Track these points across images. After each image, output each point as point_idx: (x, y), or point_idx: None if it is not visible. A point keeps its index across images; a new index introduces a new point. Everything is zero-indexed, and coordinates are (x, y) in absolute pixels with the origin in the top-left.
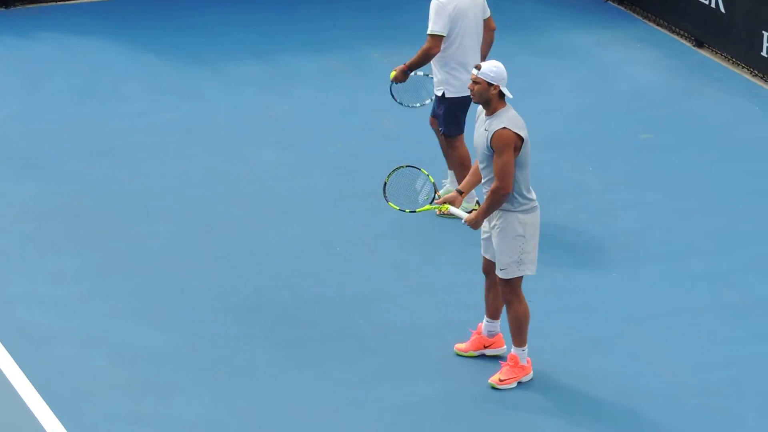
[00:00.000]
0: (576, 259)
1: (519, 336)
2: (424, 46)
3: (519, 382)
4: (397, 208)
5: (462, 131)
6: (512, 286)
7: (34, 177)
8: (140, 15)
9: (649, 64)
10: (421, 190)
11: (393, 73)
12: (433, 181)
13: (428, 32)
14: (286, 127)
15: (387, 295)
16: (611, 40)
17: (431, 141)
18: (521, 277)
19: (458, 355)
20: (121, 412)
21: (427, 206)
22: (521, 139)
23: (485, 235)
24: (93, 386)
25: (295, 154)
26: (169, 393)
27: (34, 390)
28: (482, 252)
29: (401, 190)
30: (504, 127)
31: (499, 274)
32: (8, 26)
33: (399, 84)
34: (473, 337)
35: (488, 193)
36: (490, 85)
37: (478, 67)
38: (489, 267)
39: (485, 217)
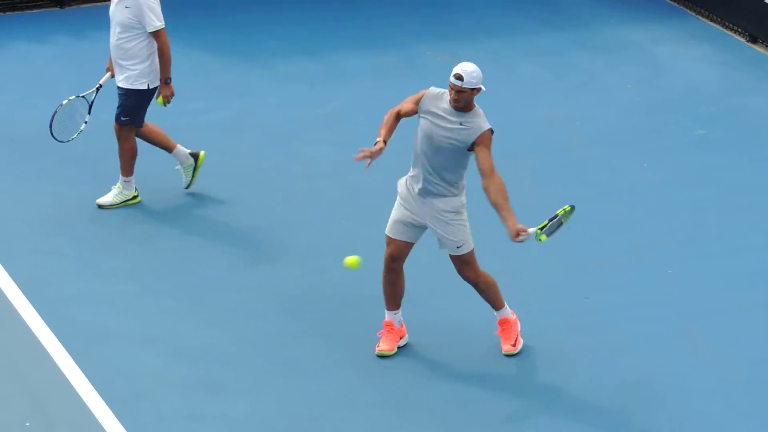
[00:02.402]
0: (631, 255)
1: (497, 300)
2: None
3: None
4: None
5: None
6: (469, 263)
7: (89, 176)
8: (192, 13)
9: (703, 59)
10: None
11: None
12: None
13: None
14: (338, 125)
15: (436, 292)
16: (664, 35)
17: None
18: (472, 251)
19: (382, 356)
20: (176, 410)
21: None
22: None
23: (406, 219)
24: (149, 384)
25: (346, 151)
26: (223, 391)
27: (93, 388)
28: (395, 236)
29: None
30: (490, 127)
31: (456, 253)
32: (63, 26)
33: (58, 115)
34: (389, 334)
35: (496, 194)
36: (473, 90)
37: (459, 77)
38: (401, 252)
39: (512, 215)
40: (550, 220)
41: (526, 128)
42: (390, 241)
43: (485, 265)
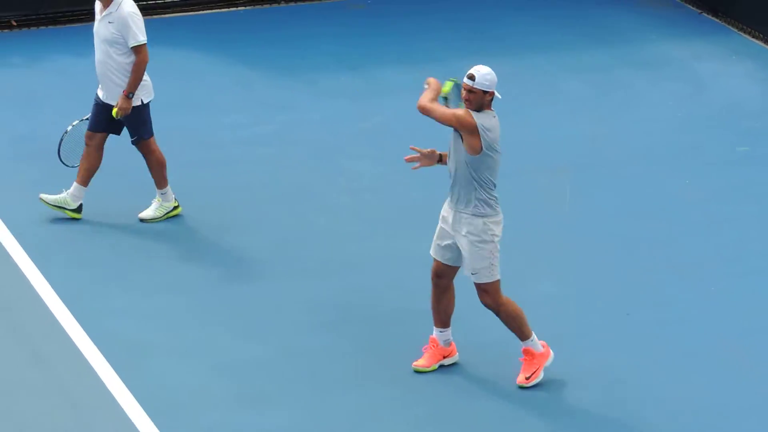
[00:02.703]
0: (673, 272)
1: (521, 331)
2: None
3: (544, 370)
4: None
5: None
6: (489, 292)
7: (130, 188)
8: (235, 28)
9: (746, 75)
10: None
11: (116, 111)
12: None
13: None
14: (380, 140)
15: (480, 310)
16: (707, 52)
17: (528, 151)
18: (497, 281)
19: (417, 371)
20: (217, 423)
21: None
22: (479, 135)
23: (445, 241)
24: (190, 397)
25: (389, 166)
26: (263, 404)
27: (135, 401)
28: (434, 255)
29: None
30: (474, 117)
31: (472, 279)
32: None
33: (67, 138)
34: (430, 351)
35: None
36: (485, 93)
37: (471, 77)
38: (443, 271)
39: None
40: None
41: (569, 144)
42: (433, 258)
43: (529, 283)
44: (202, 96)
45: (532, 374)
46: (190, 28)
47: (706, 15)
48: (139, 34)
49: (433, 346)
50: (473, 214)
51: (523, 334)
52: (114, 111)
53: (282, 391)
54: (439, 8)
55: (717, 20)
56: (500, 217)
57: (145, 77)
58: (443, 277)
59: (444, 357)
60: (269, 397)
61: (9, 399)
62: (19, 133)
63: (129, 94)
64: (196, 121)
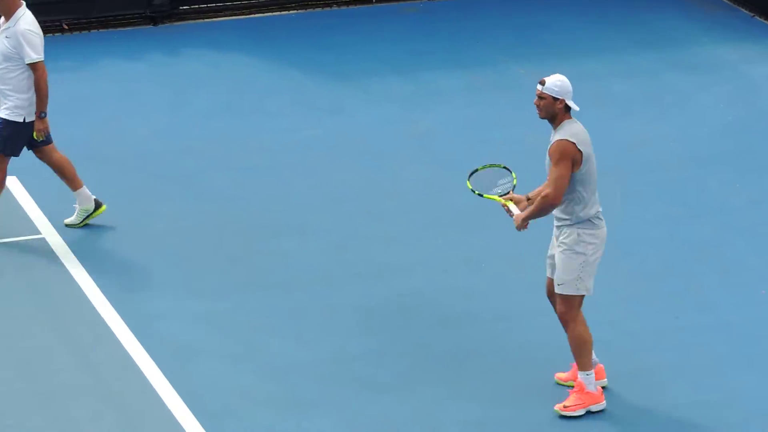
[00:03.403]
0: (722, 275)
1: (580, 359)
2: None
3: (589, 411)
4: (470, 187)
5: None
6: (570, 305)
7: (180, 193)
8: (284, 32)
9: None
10: (499, 185)
11: (35, 134)
12: (515, 184)
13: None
14: (429, 144)
15: (531, 313)
16: (758, 55)
17: None
18: (581, 297)
19: (558, 384)
20: (264, 427)
21: (494, 196)
22: (580, 152)
23: (550, 254)
24: (239, 401)
25: (439, 170)
26: (311, 408)
27: (183, 404)
28: (547, 273)
29: (485, 180)
30: (564, 138)
31: (556, 289)
32: (156, 43)
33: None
34: (574, 368)
35: (539, 198)
36: (555, 99)
37: (542, 83)
38: (550, 287)
39: (530, 219)
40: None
41: (619, 147)
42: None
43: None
44: (252, 100)
45: (573, 405)
46: (242, 32)
47: (758, 18)
48: (32, 52)
49: (579, 390)
50: (569, 224)
51: (581, 364)
52: (34, 134)
53: (330, 395)
54: (489, 13)
55: None
56: (598, 231)
57: (33, 97)
58: (551, 294)
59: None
60: (317, 401)
61: (58, 404)
62: (69, 138)
63: (41, 113)
64: (247, 124)
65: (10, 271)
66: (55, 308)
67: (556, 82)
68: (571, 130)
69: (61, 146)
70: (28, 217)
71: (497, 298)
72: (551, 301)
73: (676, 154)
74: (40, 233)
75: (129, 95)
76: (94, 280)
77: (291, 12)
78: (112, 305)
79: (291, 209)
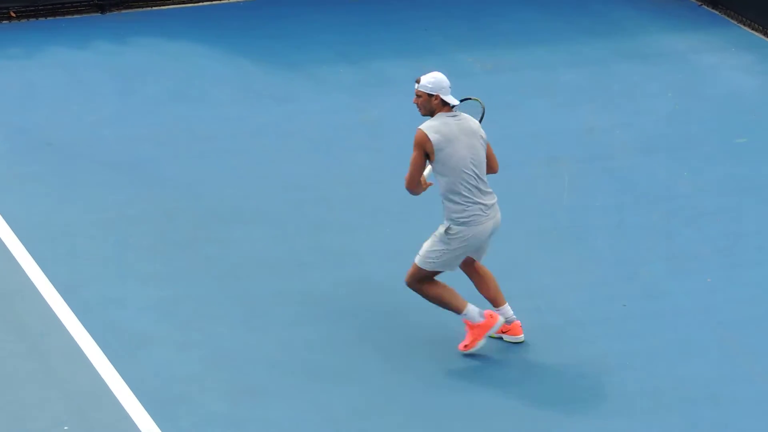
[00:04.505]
0: (670, 263)
1: (450, 309)
2: None
3: (489, 336)
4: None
5: None
6: (417, 276)
7: (129, 181)
8: (233, 21)
9: (744, 68)
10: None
11: None
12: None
13: None
14: (379, 132)
15: (481, 300)
16: (705, 44)
17: (526, 143)
18: (426, 275)
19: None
20: (216, 415)
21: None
22: (430, 141)
23: None
24: (188, 389)
25: (389, 158)
26: (263, 395)
27: (131, 393)
28: None
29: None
30: (420, 127)
31: (415, 258)
32: (104, 31)
33: None
34: (469, 331)
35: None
36: (430, 96)
37: (417, 81)
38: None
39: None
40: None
41: (567, 135)
42: None
43: (526, 274)
44: (201, 89)
45: (471, 342)
46: (191, 21)
47: (705, 7)
48: None
49: (469, 327)
50: (445, 217)
51: (455, 310)
52: None
53: (282, 382)
54: (440, 3)
55: (716, 12)
56: (469, 231)
57: None
58: (464, 266)
59: (504, 332)
60: (269, 389)
61: (6, 390)
62: (16, 127)
63: None
64: (196, 112)
65: None
66: (2, 297)
67: (430, 79)
68: (435, 122)
69: (7, 136)
70: None
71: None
72: (466, 272)
73: (623, 142)
74: None
75: (77, 83)
76: (41, 267)
77: (240, 1)
78: (60, 293)
79: (240, 197)
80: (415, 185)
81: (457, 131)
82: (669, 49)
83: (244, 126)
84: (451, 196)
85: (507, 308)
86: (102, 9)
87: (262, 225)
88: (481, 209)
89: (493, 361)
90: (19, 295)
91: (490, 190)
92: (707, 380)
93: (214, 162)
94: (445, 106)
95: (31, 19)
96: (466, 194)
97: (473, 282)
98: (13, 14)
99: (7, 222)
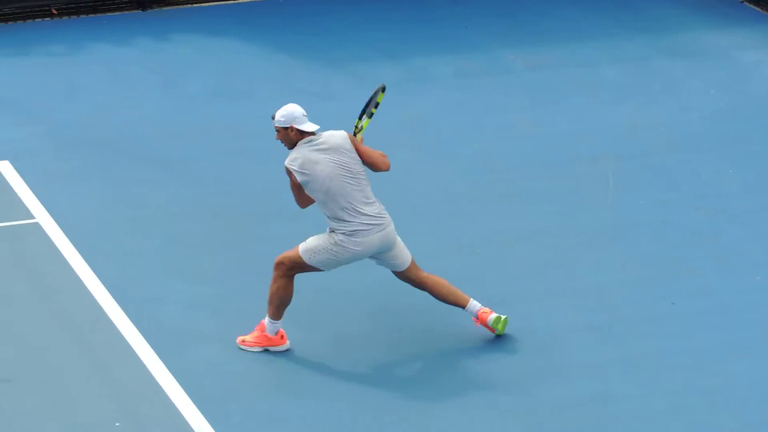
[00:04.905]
0: (716, 261)
1: (270, 307)
2: None
3: (267, 350)
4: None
5: None
6: (292, 261)
7: (171, 178)
8: (274, 17)
9: None
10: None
11: None
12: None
13: None
14: (421, 129)
15: (526, 298)
16: (747, 40)
17: (569, 141)
18: (302, 266)
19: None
20: (264, 411)
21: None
22: (293, 174)
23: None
24: (236, 385)
25: (431, 155)
26: (311, 393)
27: (181, 389)
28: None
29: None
30: (286, 163)
31: (299, 245)
32: (145, 28)
33: None
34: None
35: None
36: (286, 129)
37: (273, 118)
38: (397, 275)
39: None
40: (365, 107)
41: (610, 132)
42: None
43: (571, 273)
44: (242, 86)
45: (250, 343)
46: (231, 17)
47: (747, 4)
48: None
49: (259, 331)
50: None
51: (270, 311)
52: None
53: (329, 380)
54: None
55: (758, 9)
56: (345, 238)
57: None
58: (405, 280)
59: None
60: (316, 387)
61: (56, 387)
62: (60, 124)
63: None
64: (237, 110)
65: (5, 256)
66: (50, 293)
67: (282, 113)
68: (295, 153)
69: (50, 131)
70: (21, 201)
71: (491, 284)
72: (411, 283)
73: (667, 139)
74: (34, 218)
75: (119, 80)
76: (89, 264)
77: None
78: (108, 291)
79: (283, 194)
80: (303, 204)
81: (317, 156)
82: (711, 46)
83: None
84: (333, 215)
85: (474, 304)
86: (142, 6)
87: (306, 222)
88: (366, 222)
89: (538, 360)
90: (68, 292)
91: (373, 199)
92: (757, 379)
93: (257, 159)
94: (304, 134)
95: (72, 17)
96: (347, 211)
97: (430, 294)
98: (55, 11)
99: (54, 218)
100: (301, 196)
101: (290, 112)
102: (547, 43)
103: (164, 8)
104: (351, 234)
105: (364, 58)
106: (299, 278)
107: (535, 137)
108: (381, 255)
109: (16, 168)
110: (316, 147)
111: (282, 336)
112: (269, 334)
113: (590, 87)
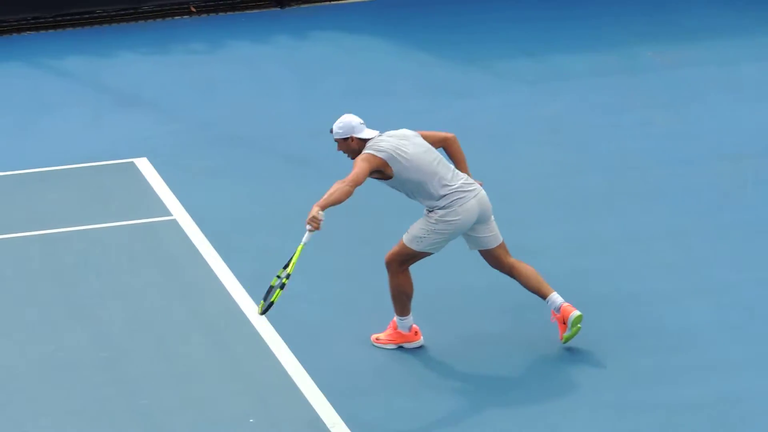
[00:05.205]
0: None
1: (396, 305)
2: None
3: (400, 347)
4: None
5: None
6: (401, 255)
7: (309, 175)
8: (411, 13)
9: None
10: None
11: None
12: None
13: None
14: (558, 125)
15: (662, 296)
16: None
17: (708, 140)
18: (413, 255)
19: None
20: (399, 409)
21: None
22: (381, 159)
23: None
24: (371, 383)
25: (568, 152)
26: (446, 391)
27: (316, 386)
28: (470, 248)
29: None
30: (365, 152)
31: (403, 238)
32: (283, 26)
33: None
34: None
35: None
36: (345, 140)
37: (331, 131)
38: (488, 258)
39: (324, 204)
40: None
41: (750, 130)
42: None
43: (709, 271)
44: (381, 82)
45: (384, 340)
46: (368, 14)
47: None
48: None
49: (392, 328)
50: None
51: (397, 310)
52: None
53: (463, 377)
54: None
55: None
56: (443, 212)
57: None
58: (494, 266)
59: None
60: (448, 384)
61: (192, 383)
62: (200, 121)
63: None
64: (375, 107)
65: (143, 252)
66: (187, 289)
67: (339, 125)
68: (374, 149)
69: (190, 129)
70: (159, 198)
71: (628, 281)
72: (500, 269)
73: None
74: (171, 215)
75: (258, 78)
76: (225, 261)
77: None
78: (243, 287)
79: None
80: (349, 195)
81: (399, 142)
82: None
83: (425, 120)
84: (428, 195)
85: (555, 296)
86: (281, 4)
87: None
88: (460, 190)
89: (672, 359)
90: (204, 288)
91: (457, 172)
92: None
93: None
94: (364, 142)
95: (211, 14)
96: (439, 187)
97: (516, 280)
98: (194, 9)
99: (191, 215)
100: (356, 186)
101: (347, 122)
102: (685, 41)
103: (302, 6)
104: (449, 206)
105: (502, 55)
106: (422, 278)
107: (674, 135)
108: (479, 227)
109: (154, 165)
110: (386, 137)
111: (416, 332)
112: (402, 331)
113: (731, 85)
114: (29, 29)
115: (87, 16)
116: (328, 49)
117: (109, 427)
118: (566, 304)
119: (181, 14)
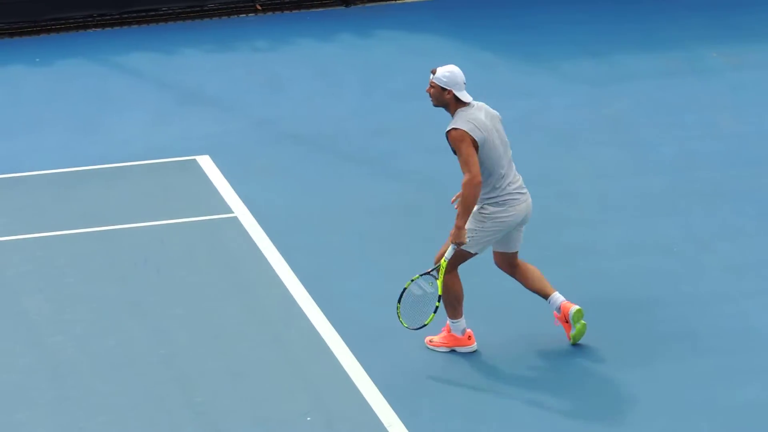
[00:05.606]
0: None
1: (448, 309)
2: None
3: (453, 350)
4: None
5: None
6: (454, 258)
7: (371, 174)
8: (475, 13)
9: None
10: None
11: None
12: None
13: None
14: (621, 126)
15: (722, 297)
16: None
17: None
18: (465, 255)
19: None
20: (456, 409)
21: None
22: (473, 138)
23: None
24: (429, 382)
25: (630, 152)
26: (504, 391)
27: (373, 385)
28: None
29: (412, 306)
30: (455, 128)
31: (450, 240)
32: (348, 25)
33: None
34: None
35: (461, 189)
36: (443, 89)
37: (433, 72)
38: (501, 258)
39: (465, 217)
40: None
41: None
42: None
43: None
44: None
45: (438, 343)
46: (432, 13)
47: None
48: None
49: (446, 332)
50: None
51: (450, 313)
52: None
53: (521, 378)
54: None
55: None
56: (501, 210)
57: None
58: (502, 266)
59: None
60: (506, 384)
61: (250, 379)
62: (263, 118)
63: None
64: (436, 108)
65: (203, 249)
66: (246, 287)
67: (445, 73)
68: (461, 117)
69: (254, 126)
70: (220, 195)
71: (688, 282)
72: (506, 271)
73: None
74: (233, 212)
75: (321, 76)
76: (285, 259)
77: None
78: (303, 285)
79: None
80: (480, 178)
81: (484, 119)
82: None
83: None
84: (490, 184)
85: (556, 296)
86: (346, 2)
87: None
88: (516, 191)
89: (733, 360)
90: (263, 286)
91: (519, 177)
92: None
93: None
94: (459, 102)
95: (276, 12)
96: (502, 179)
97: (518, 280)
98: (259, 7)
99: (252, 213)
100: (475, 158)
101: (454, 75)
102: (751, 41)
103: (367, 4)
104: (503, 203)
105: (566, 55)
106: (493, 276)
107: (738, 136)
108: (516, 229)
109: (216, 162)
110: (480, 113)
111: (469, 336)
112: (456, 334)
113: None
114: (95, 26)
115: (152, 13)
116: (392, 48)
117: (166, 425)
118: (566, 301)
119: (246, 12)
